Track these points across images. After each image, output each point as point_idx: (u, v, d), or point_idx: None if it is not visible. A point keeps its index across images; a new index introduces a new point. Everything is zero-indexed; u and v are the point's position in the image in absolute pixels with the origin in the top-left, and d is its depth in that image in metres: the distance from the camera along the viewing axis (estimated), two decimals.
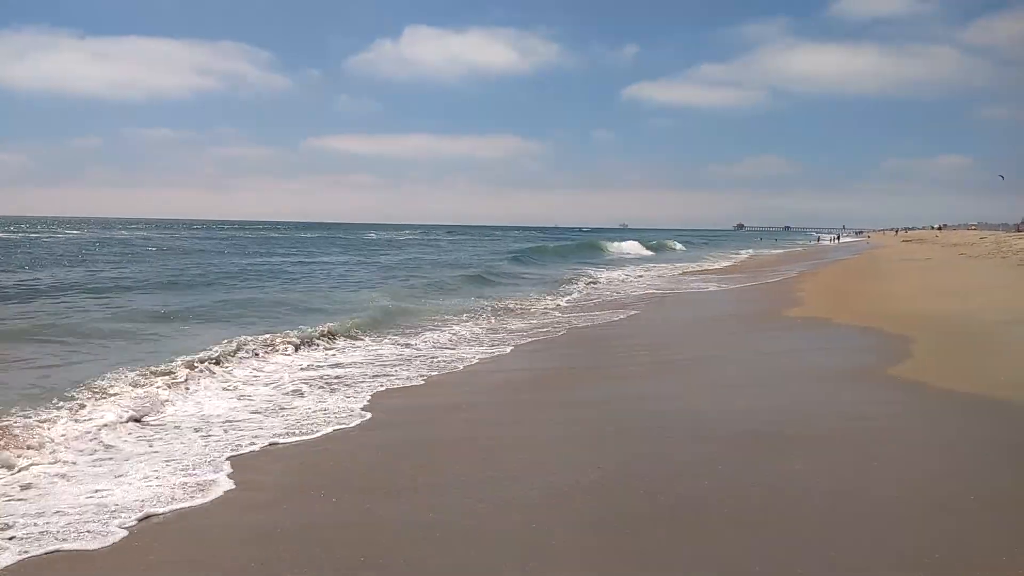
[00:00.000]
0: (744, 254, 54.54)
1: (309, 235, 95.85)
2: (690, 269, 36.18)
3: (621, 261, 46.49)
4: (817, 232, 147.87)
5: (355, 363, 10.70)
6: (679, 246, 75.08)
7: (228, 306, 17.24)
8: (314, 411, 7.79)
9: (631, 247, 64.10)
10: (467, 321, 15.35)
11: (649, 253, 60.62)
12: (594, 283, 26.45)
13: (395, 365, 10.54)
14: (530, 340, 12.94)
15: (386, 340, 12.79)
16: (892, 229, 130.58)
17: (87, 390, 8.17)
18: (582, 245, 65.15)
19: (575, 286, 24.95)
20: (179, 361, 9.77)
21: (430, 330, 14.02)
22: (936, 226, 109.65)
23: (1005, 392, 7.45)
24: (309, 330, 12.62)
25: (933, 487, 5.16)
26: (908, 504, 4.88)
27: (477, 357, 11.17)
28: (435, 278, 26.72)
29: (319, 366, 10.45)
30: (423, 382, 9.45)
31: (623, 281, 27.98)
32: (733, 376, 9.49)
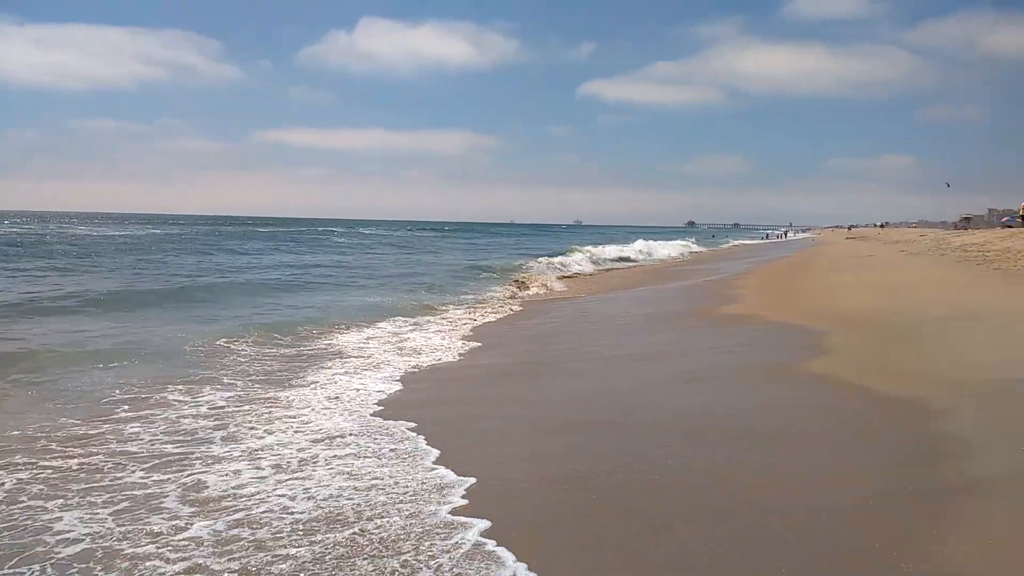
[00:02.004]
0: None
1: (262, 230, 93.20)
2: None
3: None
4: (766, 229, 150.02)
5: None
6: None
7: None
8: None
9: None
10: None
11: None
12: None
13: None
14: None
15: None
16: (838, 227, 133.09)
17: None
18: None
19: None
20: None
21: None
22: (879, 224, 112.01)
23: (909, 389, 7.50)
24: None
25: (823, 483, 5.29)
26: (805, 500, 4.99)
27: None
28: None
29: None
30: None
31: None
32: (666, 373, 9.57)
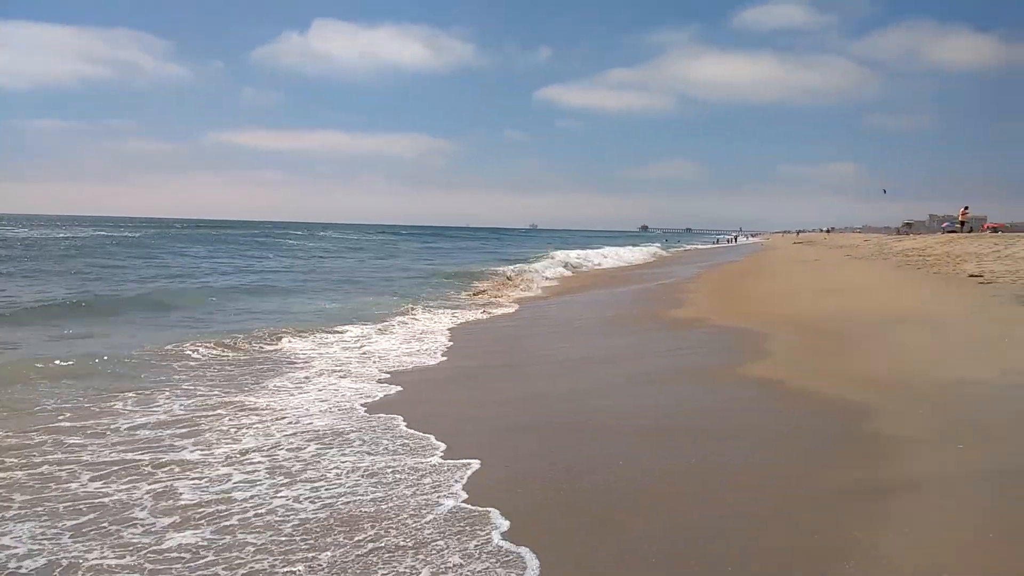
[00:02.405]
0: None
1: (214, 233, 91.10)
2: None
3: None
4: (717, 235, 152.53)
5: None
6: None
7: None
8: None
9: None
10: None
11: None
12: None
13: None
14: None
15: None
16: (787, 231, 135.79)
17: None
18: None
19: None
20: None
21: None
22: (825, 229, 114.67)
23: (846, 389, 7.76)
24: None
25: (760, 483, 5.42)
26: (742, 500, 5.13)
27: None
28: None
29: None
30: None
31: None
32: (621, 375, 9.77)
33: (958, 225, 45.19)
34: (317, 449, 6.66)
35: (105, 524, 5.05)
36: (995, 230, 43.55)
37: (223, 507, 5.32)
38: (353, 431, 7.21)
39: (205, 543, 4.75)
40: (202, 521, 5.09)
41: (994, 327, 11.07)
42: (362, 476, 5.92)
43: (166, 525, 5.04)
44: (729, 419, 7.22)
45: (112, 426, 7.41)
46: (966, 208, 46.32)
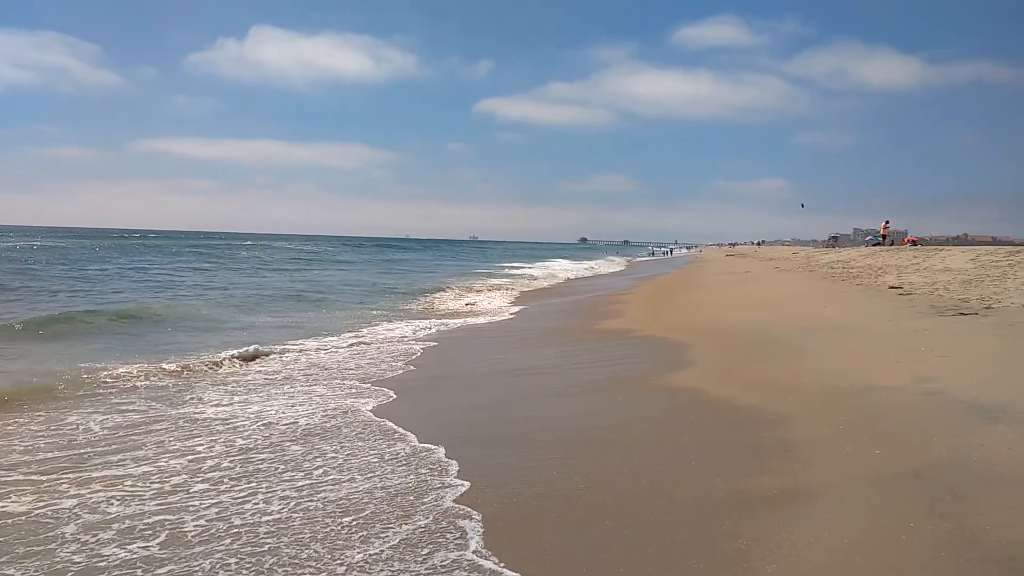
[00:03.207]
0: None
1: (144, 243, 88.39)
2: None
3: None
4: (653, 246, 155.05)
5: None
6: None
7: None
8: None
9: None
10: None
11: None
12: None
13: None
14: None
15: None
16: (720, 244, 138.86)
17: None
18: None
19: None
20: None
21: None
22: (756, 242, 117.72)
23: (760, 397, 7.96)
24: None
25: (668, 490, 5.50)
26: (651, 507, 5.20)
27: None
28: None
29: None
30: None
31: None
32: (548, 386, 9.88)
33: (880, 238, 46.81)
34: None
35: None
36: (914, 243, 45.24)
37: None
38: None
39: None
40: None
41: (910, 337, 11.42)
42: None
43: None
44: (643, 428, 7.28)
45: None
46: (887, 222, 48.09)
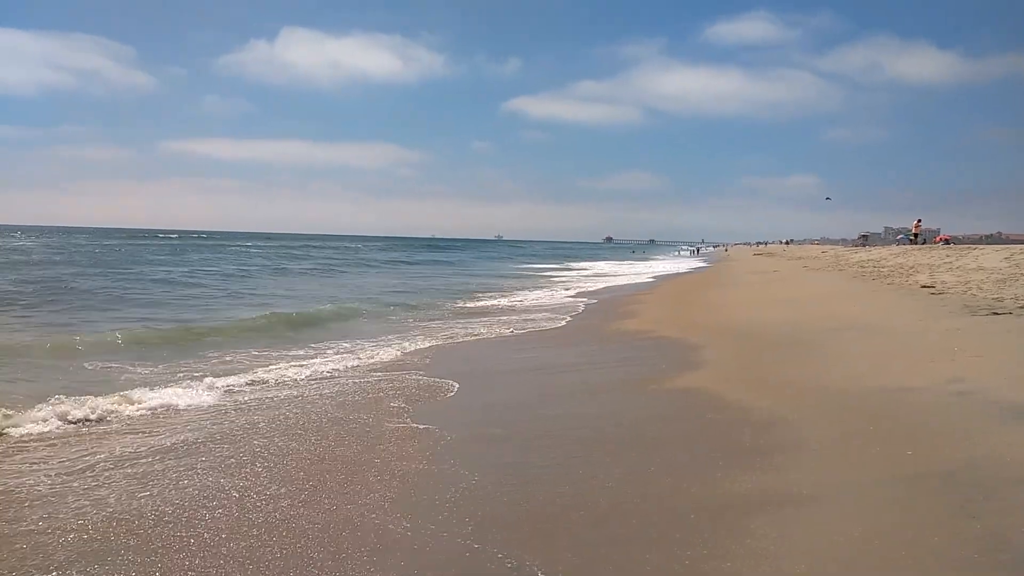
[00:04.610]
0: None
1: (179, 242, 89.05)
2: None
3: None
4: (680, 245, 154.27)
5: None
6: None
7: None
8: None
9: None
10: None
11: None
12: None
13: None
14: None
15: None
16: (747, 243, 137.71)
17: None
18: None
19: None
20: None
21: None
22: (784, 241, 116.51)
23: (769, 399, 7.90)
24: None
25: (664, 491, 5.50)
26: (650, 507, 5.18)
27: None
28: None
29: None
30: None
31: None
32: (568, 385, 9.99)
33: (912, 237, 46.10)
34: None
35: None
36: (947, 242, 44.48)
37: None
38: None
39: None
40: None
41: (943, 336, 11.22)
42: None
43: None
44: (645, 430, 7.28)
45: None
46: (919, 221, 47.34)
